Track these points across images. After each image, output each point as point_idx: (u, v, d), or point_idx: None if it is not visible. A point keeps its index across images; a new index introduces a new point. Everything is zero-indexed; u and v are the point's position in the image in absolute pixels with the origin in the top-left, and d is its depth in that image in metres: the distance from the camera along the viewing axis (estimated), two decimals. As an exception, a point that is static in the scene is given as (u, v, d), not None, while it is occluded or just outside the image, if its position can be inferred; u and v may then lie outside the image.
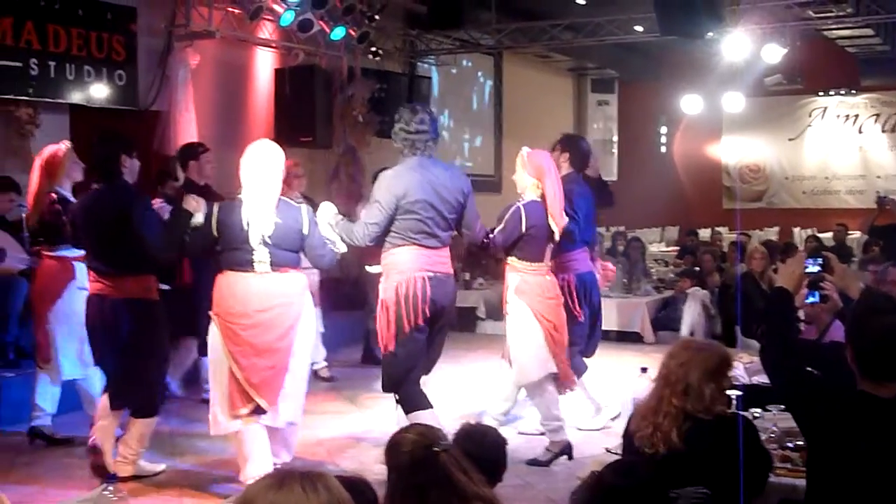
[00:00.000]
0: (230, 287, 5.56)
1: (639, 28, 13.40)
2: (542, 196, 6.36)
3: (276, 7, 11.03)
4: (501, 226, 6.34)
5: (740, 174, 20.13)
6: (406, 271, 5.73)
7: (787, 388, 3.53)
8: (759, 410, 4.65)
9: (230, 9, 10.79)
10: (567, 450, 6.42)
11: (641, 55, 17.98)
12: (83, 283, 6.39)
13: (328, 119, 12.01)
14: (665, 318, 11.43)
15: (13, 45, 8.79)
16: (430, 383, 6.05)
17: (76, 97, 9.48)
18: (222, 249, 5.62)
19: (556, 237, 6.40)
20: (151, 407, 6.01)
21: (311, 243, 5.68)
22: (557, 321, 6.46)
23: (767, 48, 13.14)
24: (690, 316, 11.00)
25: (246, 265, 5.53)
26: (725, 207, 20.06)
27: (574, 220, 6.73)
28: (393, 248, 5.79)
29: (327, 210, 5.93)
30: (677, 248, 16.51)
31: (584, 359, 7.18)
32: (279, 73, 11.94)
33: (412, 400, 5.82)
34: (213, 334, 5.60)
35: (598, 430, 7.03)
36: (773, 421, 4.49)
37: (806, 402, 3.44)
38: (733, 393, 3.92)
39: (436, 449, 3.01)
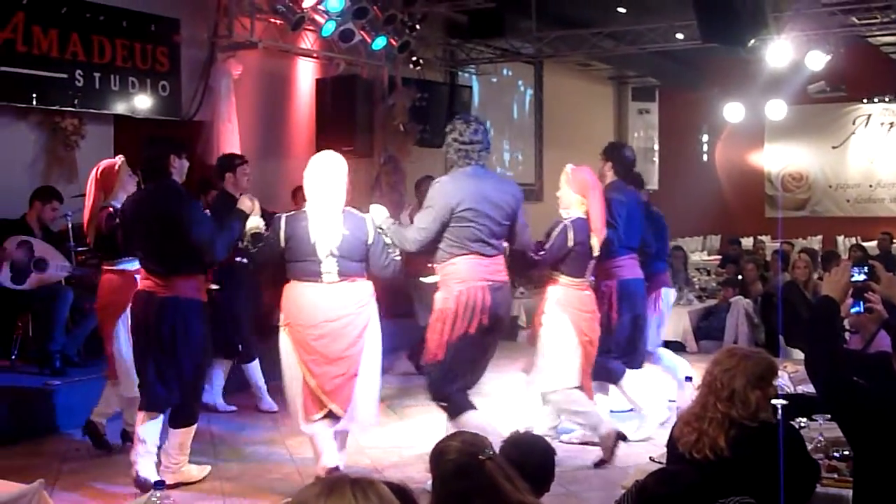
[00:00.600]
0: (299, 298, 5.67)
1: (680, 36, 13.34)
2: (587, 212, 6.49)
3: (317, 17, 11.12)
4: (550, 242, 6.46)
5: (783, 182, 19.96)
6: (467, 280, 5.79)
7: (833, 397, 3.51)
8: (804, 420, 4.63)
9: (272, 19, 10.89)
10: (620, 435, 6.52)
11: (682, 63, 17.88)
12: None
13: (369, 128, 12.09)
14: (708, 328, 11.35)
15: (59, 57, 8.92)
16: (474, 392, 6.08)
17: (120, 108, 9.59)
18: (289, 260, 5.70)
19: (595, 252, 6.50)
20: (189, 415, 6.01)
21: (374, 252, 5.77)
22: (592, 335, 6.59)
23: (811, 55, 13.05)
24: (733, 325, 10.93)
25: (314, 276, 5.63)
26: (768, 216, 19.89)
27: (613, 228, 6.81)
28: (451, 257, 5.83)
29: (378, 213, 5.96)
30: (719, 256, 16.40)
31: (633, 370, 7.25)
32: (321, 83, 12.02)
33: (458, 405, 5.88)
34: (285, 344, 5.71)
35: (644, 440, 6.98)
36: (818, 430, 4.46)
37: (852, 411, 3.42)
38: (778, 402, 3.90)
39: (481, 457, 3.02)
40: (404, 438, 7.25)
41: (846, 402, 3.44)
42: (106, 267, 6.62)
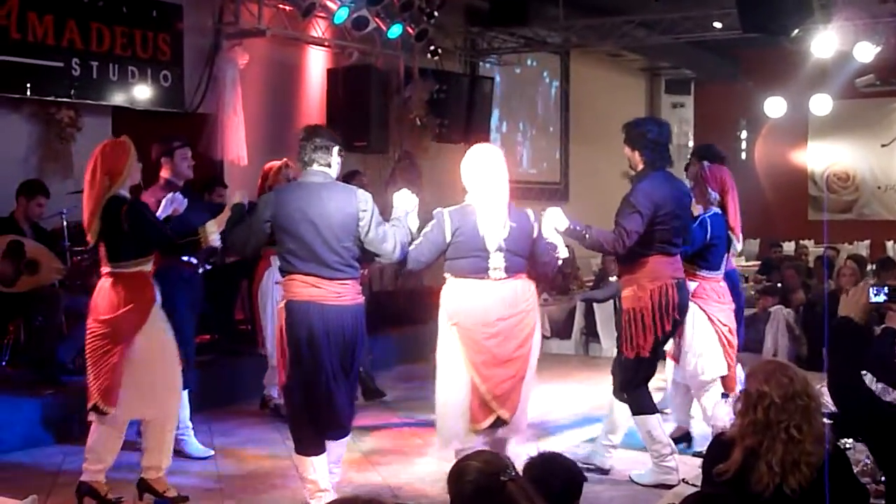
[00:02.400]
0: (468, 295, 5.71)
1: (718, 25, 13.31)
2: (724, 208, 7.08)
3: (329, 4, 11.15)
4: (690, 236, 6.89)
5: (828, 183, 19.89)
6: (660, 278, 6.32)
7: (857, 420, 3.51)
8: (850, 441, 4.60)
9: (281, 5, 10.94)
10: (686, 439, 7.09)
11: (720, 54, 17.87)
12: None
13: (384, 122, 12.11)
14: (745, 339, 11.29)
15: (54, 45, 8.98)
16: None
17: (119, 99, 9.66)
18: (454, 257, 5.74)
19: (739, 247, 7.23)
20: (350, 422, 5.87)
21: (539, 247, 5.90)
22: (731, 325, 7.08)
23: (859, 46, 12.99)
24: (773, 337, 10.89)
25: (482, 272, 5.68)
26: (811, 219, 19.81)
27: None
28: (641, 257, 6.32)
29: (557, 215, 6.04)
30: (759, 262, 16.35)
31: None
32: (332, 74, 12.06)
33: (642, 402, 6.43)
34: (450, 345, 5.73)
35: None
36: (865, 452, 4.44)
37: (879, 434, 3.42)
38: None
39: (502, 478, 3.03)
40: (420, 455, 7.26)
41: (872, 424, 3.44)
42: (120, 270, 5.93)
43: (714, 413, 6.90)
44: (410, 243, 5.77)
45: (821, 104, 16.38)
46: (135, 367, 5.91)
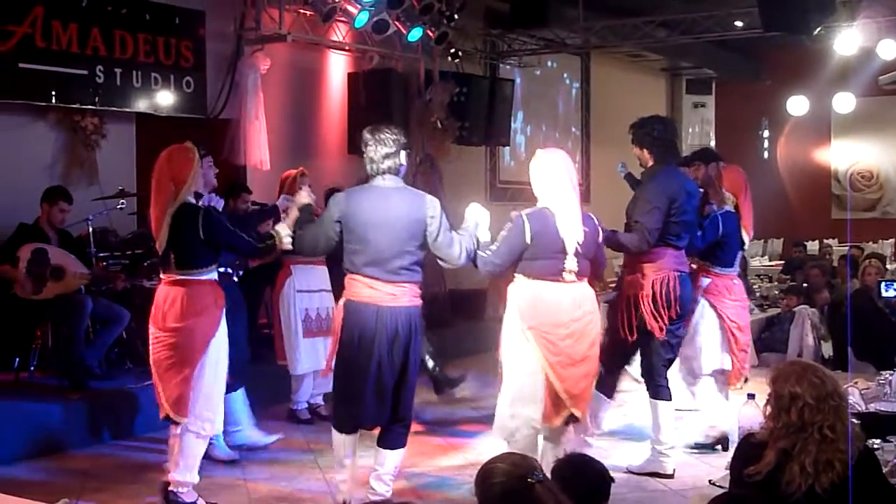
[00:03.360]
0: (542, 297, 5.78)
1: (739, 24, 13.26)
2: (737, 208, 7.35)
3: (349, 8, 11.18)
4: (701, 232, 7.09)
5: (851, 181, 19.78)
6: (663, 269, 6.51)
7: None
8: (878, 441, 4.60)
9: (302, 10, 10.98)
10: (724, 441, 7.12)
11: (741, 53, 17.81)
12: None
13: (405, 125, 12.00)
14: (769, 339, 11.29)
15: (79, 53, 9.06)
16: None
17: (143, 105, 9.72)
18: (530, 258, 5.79)
19: (746, 246, 7.52)
20: (407, 433, 5.86)
21: (601, 250, 6.10)
22: (740, 322, 7.31)
23: (883, 44, 12.93)
24: (797, 337, 10.85)
25: (556, 274, 5.77)
26: (835, 218, 19.69)
27: None
28: (650, 249, 6.48)
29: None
30: (782, 262, 16.29)
31: None
32: (353, 78, 12.10)
33: (608, 383, 6.76)
34: (524, 348, 5.78)
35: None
36: (894, 453, 4.43)
37: None
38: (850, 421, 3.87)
39: (530, 480, 3.04)
40: (447, 458, 7.28)
41: None
42: (190, 277, 5.81)
43: (740, 413, 6.89)
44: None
45: (844, 102, 16.28)
46: (208, 380, 5.86)
